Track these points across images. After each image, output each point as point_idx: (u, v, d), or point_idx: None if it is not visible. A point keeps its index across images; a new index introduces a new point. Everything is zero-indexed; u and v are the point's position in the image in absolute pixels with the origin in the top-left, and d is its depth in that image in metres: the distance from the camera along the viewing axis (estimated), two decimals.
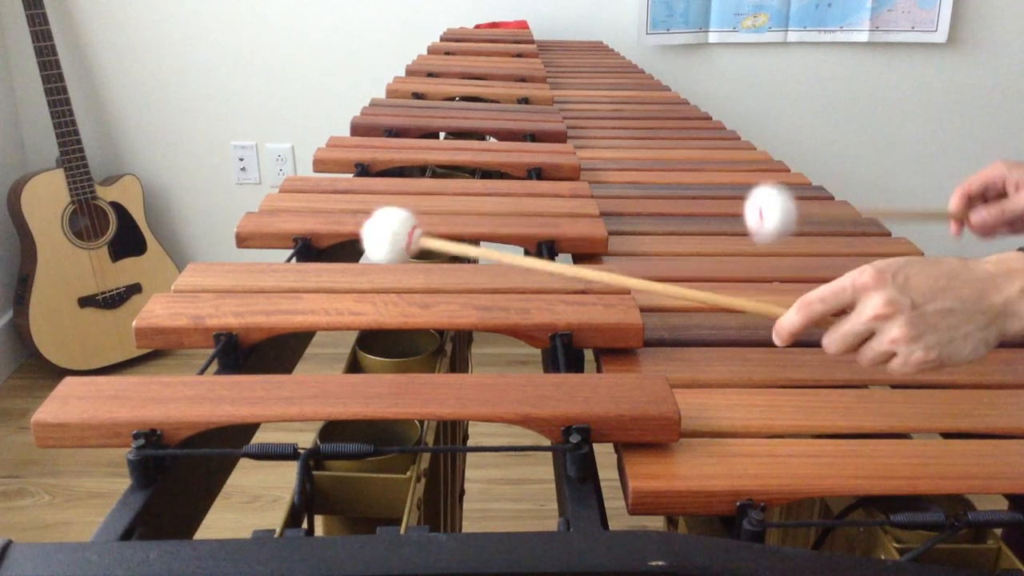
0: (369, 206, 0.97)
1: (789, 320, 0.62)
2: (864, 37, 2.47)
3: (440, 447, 0.88)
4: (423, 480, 0.63)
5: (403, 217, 0.71)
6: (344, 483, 0.61)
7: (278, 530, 0.51)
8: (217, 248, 2.72)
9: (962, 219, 0.89)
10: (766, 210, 0.75)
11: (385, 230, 0.70)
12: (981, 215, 0.87)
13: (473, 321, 0.70)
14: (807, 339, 0.76)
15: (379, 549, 0.44)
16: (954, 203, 0.89)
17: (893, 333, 0.58)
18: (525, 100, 1.52)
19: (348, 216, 0.93)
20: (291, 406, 0.56)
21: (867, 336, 0.60)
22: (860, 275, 0.59)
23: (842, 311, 0.61)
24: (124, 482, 0.53)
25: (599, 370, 0.71)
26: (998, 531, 0.57)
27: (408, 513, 0.58)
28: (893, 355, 0.59)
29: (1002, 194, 0.88)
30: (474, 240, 0.94)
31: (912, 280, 0.59)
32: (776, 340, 0.64)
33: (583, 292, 0.76)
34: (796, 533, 0.77)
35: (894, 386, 0.69)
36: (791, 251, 0.97)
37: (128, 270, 2.47)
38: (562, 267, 0.75)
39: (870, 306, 0.59)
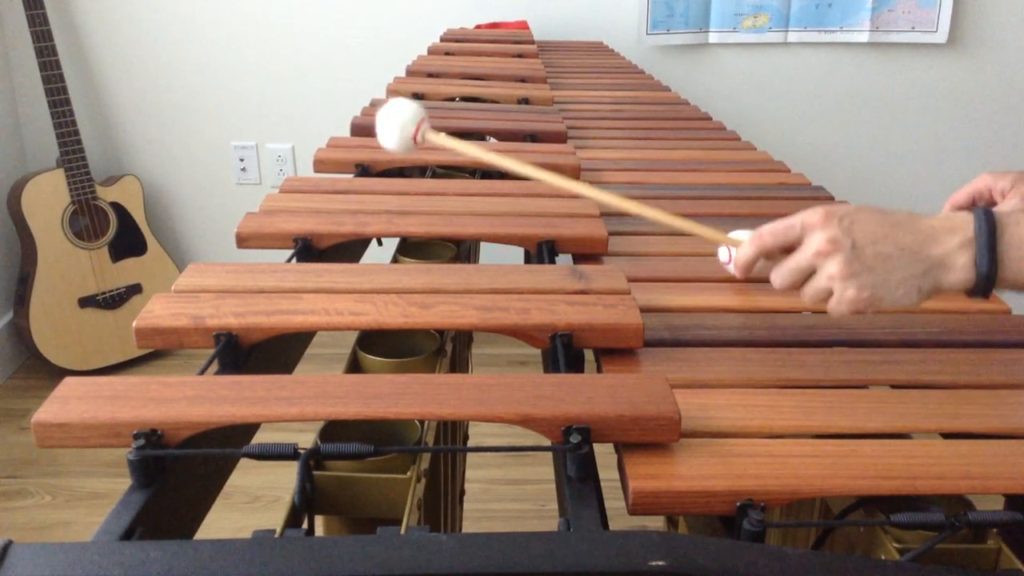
0: (369, 206, 0.97)
1: (743, 252, 0.68)
2: (864, 37, 2.47)
3: (440, 447, 0.88)
4: (423, 480, 0.63)
5: (413, 110, 0.76)
6: (344, 483, 0.61)
7: (278, 530, 0.51)
8: (217, 248, 2.72)
9: None
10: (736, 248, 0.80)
11: (395, 121, 0.75)
12: None
13: (473, 321, 0.70)
14: (807, 339, 0.76)
15: (379, 549, 0.44)
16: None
17: (831, 269, 0.63)
18: (525, 100, 1.52)
19: (348, 216, 0.93)
20: (291, 406, 0.56)
21: (809, 272, 0.64)
22: (810, 215, 0.64)
23: (790, 248, 0.65)
24: (124, 482, 0.53)
25: (599, 370, 0.71)
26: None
27: (408, 513, 0.58)
28: (831, 293, 0.64)
29: (990, 204, 0.89)
30: (476, 240, 0.94)
31: (857, 224, 0.62)
32: (735, 272, 0.70)
33: (583, 292, 0.76)
34: (796, 533, 0.77)
35: (894, 386, 0.69)
36: None
37: (128, 270, 2.47)
38: (539, 173, 0.79)
39: (814, 242, 0.63)
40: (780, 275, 0.66)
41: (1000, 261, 0.62)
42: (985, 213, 0.63)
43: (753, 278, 0.88)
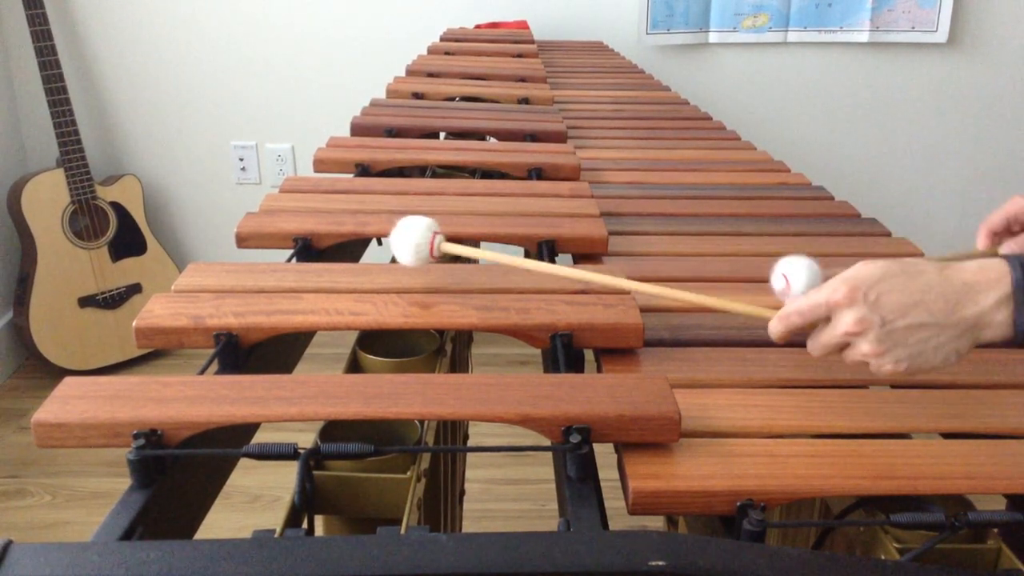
0: (369, 206, 0.97)
1: (773, 328, 0.67)
2: (864, 37, 2.47)
3: (440, 447, 0.88)
4: (423, 480, 0.63)
5: (425, 225, 0.76)
6: (344, 483, 0.61)
7: (278, 530, 0.51)
8: (217, 248, 2.72)
9: (992, 254, 0.90)
10: (792, 276, 0.77)
11: (408, 240, 0.76)
12: (1011, 246, 0.88)
13: (473, 321, 0.70)
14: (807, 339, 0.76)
15: (379, 549, 0.44)
16: (981, 242, 0.90)
17: (864, 349, 0.62)
18: (525, 100, 1.52)
19: (348, 216, 0.93)
20: (291, 406, 0.56)
21: (843, 346, 0.63)
22: (834, 293, 0.62)
23: (817, 325, 0.65)
24: (124, 482, 0.53)
25: (599, 370, 0.71)
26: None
27: (408, 513, 0.58)
28: (866, 363, 0.63)
29: None
30: (475, 241, 0.94)
31: (883, 297, 0.61)
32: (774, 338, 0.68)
33: (583, 292, 0.76)
34: (796, 533, 0.77)
35: (894, 386, 0.69)
36: (791, 251, 0.96)
37: (128, 270, 2.47)
38: (565, 270, 0.77)
39: (842, 323, 0.62)
40: (815, 348, 0.65)
41: None
42: (1019, 263, 0.61)
43: (753, 278, 0.88)
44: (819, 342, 0.64)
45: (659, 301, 0.78)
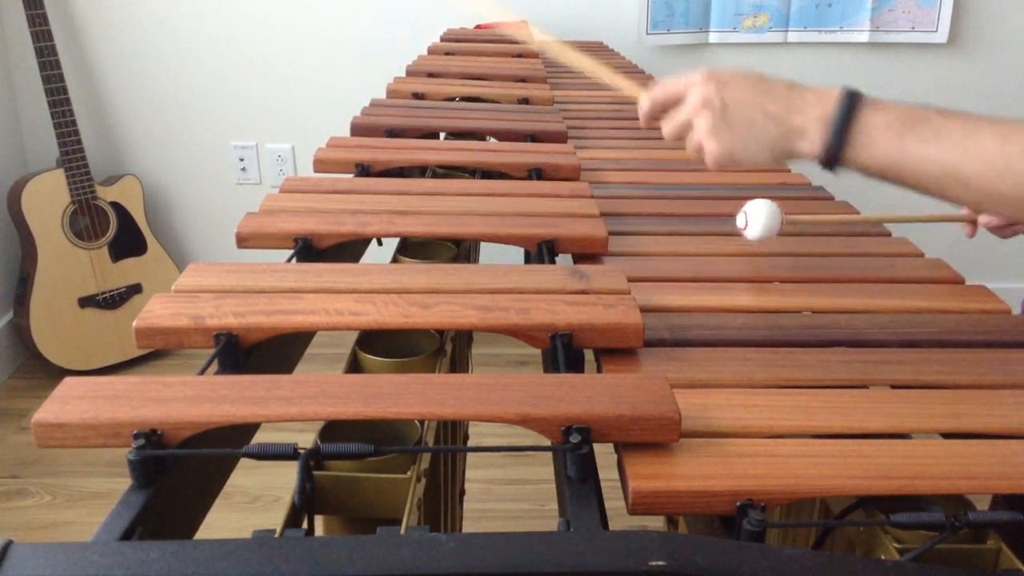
0: (369, 206, 0.97)
1: (641, 104, 0.77)
2: (864, 37, 2.47)
3: (440, 447, 0.88)
4: (423, 480, 0.63)
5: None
6: (344, 483, 0.61)
7: (278, 530, 0.51)
8: (217, 248, 2.72)
9: (972, 220, 0.91)
10: (752, 215, 0.89)
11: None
12: (987, 217, 0.89)
13: (473, 321, 0.70)
14: (807, 339, 0.76)
15: (379, 549, 0.44)
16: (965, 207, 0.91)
17: (700, 124, 0.71)
18: (525, 100, 1.52)
19: (348, 216, 0.93)
20: (291, 406, 0.56)
21: (688, 126, 0.73)
22: (695, 75, 0.73)
23: (675, 102, 0.75)
24: (124, 482, 0.53)
25: (599, 370, 0.71)
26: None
27: (408, 513, 0.58)
28: (700, 143, 0.72)
29: None
30: (476, 240, 0.95)
31: (732, 87, 0.70)
32: (641, 123, 0.79)
33: (583, 292, 0.76)
34: (796, 533, 0.77)
35: (894, 386, 0.69)
36: (791, 251, 0.97)
37: (128, 270, 2.47)
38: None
39: (691, 99, 0.72)
40: (666, 126, 0.75)
41: (848, 142, 0.66)
42: (851, 96, 0.67)
43: (755, 278, 0.88)
44: (670, 119, 0.74)
45: (665, 300, 0.81)
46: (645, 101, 0.76)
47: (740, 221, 0.89)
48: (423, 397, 0.57)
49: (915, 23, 2.46)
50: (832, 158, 0.67)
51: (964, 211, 0.92)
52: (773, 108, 0.69)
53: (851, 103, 0.66)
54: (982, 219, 0.91)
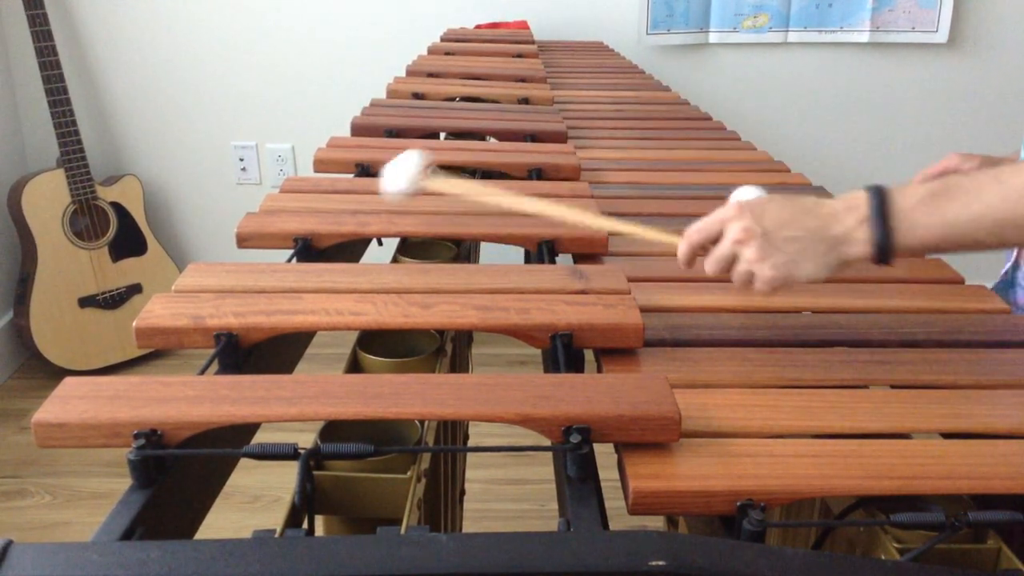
0: (369, 206, 0.97)
1: (680, 251, 0.76)
2: (864, 37, 2.47)
3: (440, 447, 0.88)
4: (423, 480, 0.63)
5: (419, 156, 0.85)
6: (344, 483, 0.61)
7: (278, 530, 0.51)
8: (217, 248, 2.72)
9: None
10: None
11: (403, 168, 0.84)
12: None
13: (473, 321, 0.70)
14: (807, 339, 0.76)
15: (379, 549, 0.44)
16: None
17: (748, 254, 0.70)
18: (525, 100, 1.52)
19: (348, 216, 0.93)
20: (291, 406, 0.56)
21: (733, 259, 0.72)
22: (726, 210, 0.73)
23: (716, 241, 0.73)
24: (124, 482, 0.53)
25: (599, 370, 0.71)
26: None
27: (408, 513, 0.58)
28: (752, 275, 0.71)
29: None
30: (476, 240, 0.94)
31: (767, 213, 0.71)
32: (680, 265, 0.77)
33: (583, 292, 0.76)
34: (796, 533, 0.77)
35: (894, 386, 0.69)
36: None
37: (128, 270, 2.47)
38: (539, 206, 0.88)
39: (731, 233, 0.71)
40: (709, 263, 0.74)
41: (893, 231, 0.68)
42: (876, 191, 0.69)
43: None
44: (712, 256, 0.73)
45: (666, 301, 0.80)
46: (683, 245, 0.76)
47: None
48: (423, 397, 0.57)
49: (915, 23, 2.46)
50: (884, 252, 0.69)
51: None
52: (812, 224, 0.70)
53: (880, 197, 0.69)
54: None
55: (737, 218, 0.71)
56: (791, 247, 0.70)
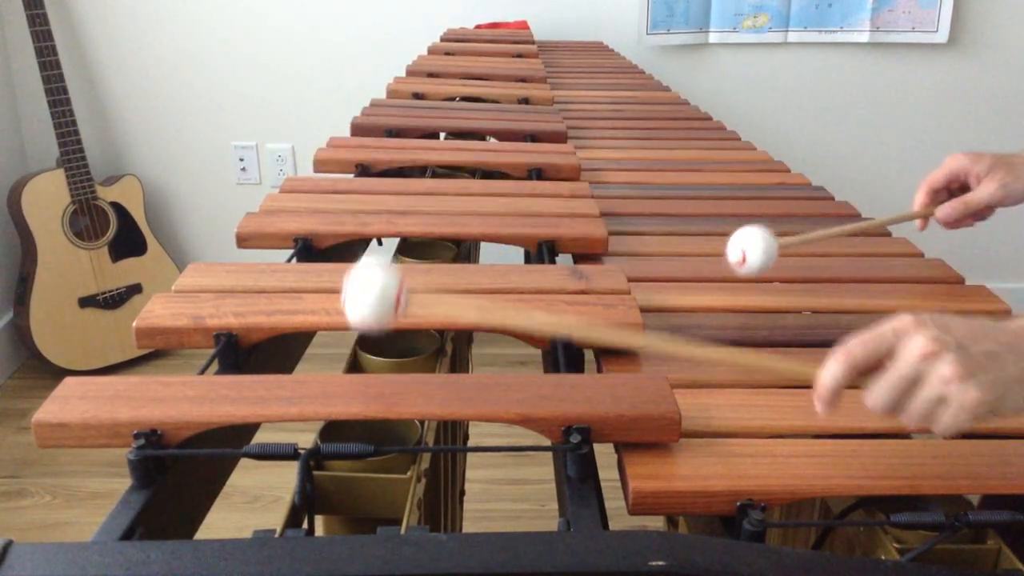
0: (369, 206, 0.97)
1: (829, 374, 0.56)
2: (865, 37, 2.47)
3: (440, 447, 0.87)
4: (423, 480, 0.63)
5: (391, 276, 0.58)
6: (344, 483, 0.61)
7: (278, 530, 0.51)
8: (217, 248, 2.72)
9: (928, 215, 0.91)
10: (749, 250, 0.78)
11: (371, 291, 0.57)
12: (946, 210, 0.90)
13: (473, 321, 0.70)
14: (807, 339, 0.76)
15: (379, 549, 0.44)
16: (920, 200, 0.92)
17: (944, 371, 0.53)
18: (525, 100, 1.52)
19: (348, 216, 0.93)
20: (291, 406, 0.56)
21: (914, 382, 0.54)
22: (898, 320, 0.56)
23: (879, 363, 0.56)
24: (124, 482, 0.53)
25: (599, 370, 0.71)
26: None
27: (408, 513, 0.58)
28: (944, 401, 0.53)
29: (965, 187, 0.90)
30: (476, 240, 0.94)
31: (951, 325, 0.55)
32: (818, 405, 0.57)
33: (583, 292, 0.76)
34: (796, 533, 0.77)
35: None
36: (791, 251, 0.96)
37: (128, 270, 2.47)
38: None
39: (915, 346, 0.54)
40: (881, 392, 0.55)
41: None
42: None
43: (755, 278, 0.88)
44: (886, 381, 0.55)
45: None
46: (836, 368, 0.56)
47: (734, 255, 0.79)
48: (423, 397, 0.57)
49: (915, 23, 2.46)
50: None
51: (917, 208, 0.92)
52: (1005, 339, 0.56)
53: None
54: (938, 213, 0.91)
55: (918, 329, 0.54)
56: (993, 363, 0.54)
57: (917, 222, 0.93)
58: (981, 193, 0.88)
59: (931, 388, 0.53)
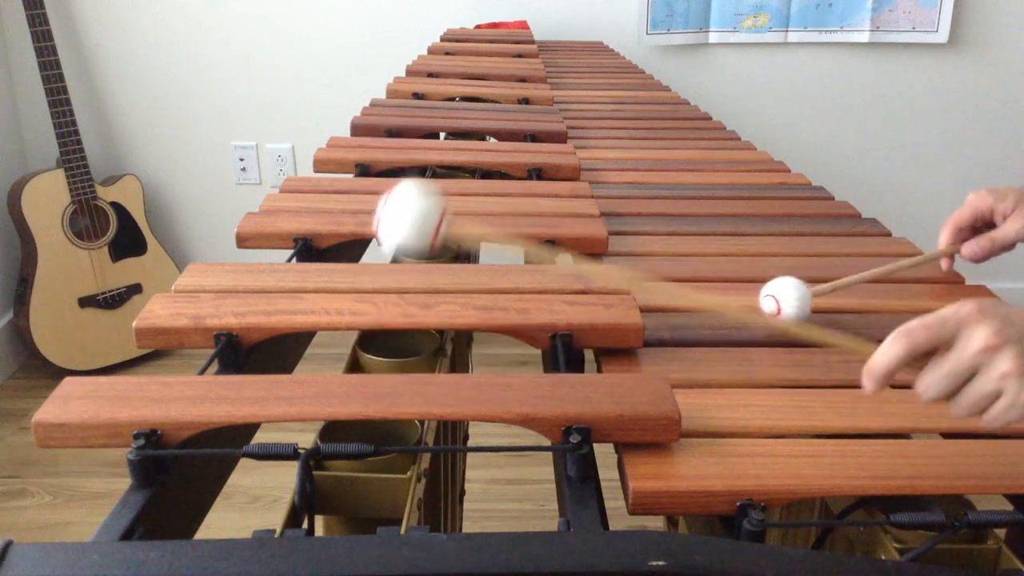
0: (369, 206, 0.97)
1: (886, 354, 0.54)
2: (865, 37, 2.47)
3: (440, 447, 0.87)
4: (423, 480, 0.63)
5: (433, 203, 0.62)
6: (344, 483, 0.61)
7: (278, 530, 0.51)
8: (217, 248, 2.72)
9: (954, 252, 0.91)
10: (783, 299, 0.77)
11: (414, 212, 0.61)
12: (973, 248, 0.89)
13: (473, 321, 0.70)
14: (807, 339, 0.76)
15: (379, 549, 0.44)
16: (945, 239, 0.91)
17: (1003, 366, 0.52)
18: (525, 100, 1.52)
19: (348, 216, 0.93)
20: (291, 406, 0.56)
21: (971, 374, 0.53)
22: (961, 307, 0.54)
23: (935, 350, 0.55)
24: (124, 482, 0.53)
25: (599, 370, 0.71)
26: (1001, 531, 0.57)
27: (408, 513, 0.58)
28: (998, 395, 0.53)
29: (990, 224, 0.89)
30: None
31: (1013, 315, 0.54)
32: (867, 383, 0.55)
33: (583, 292, 0.76)
34: (796, 533, 0.77)
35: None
36: (791, 251, 0.97)
37: (128, 270, 2.47)
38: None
39: (977, 337, 0.52)
40: (935, 381, 0.54)
41: None
42: None
43: (753, 279, 0.88)
44: (942, 370, 0.54)
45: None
46: (896, 348, 0.54)
47: (768, 306, 0.78)
48: (423, 397, 0.57)
49: (915, 23, 2.46)
50: None
51: (942, 246, 0.91)
52: None
53: None
54: (965, 251, 0.91)
55: (981, 319, 0.53)
56: None
57: (942, 262, 0.93)
58: (1008, 231, 0.87)
59: (988, 382, 0.53)
